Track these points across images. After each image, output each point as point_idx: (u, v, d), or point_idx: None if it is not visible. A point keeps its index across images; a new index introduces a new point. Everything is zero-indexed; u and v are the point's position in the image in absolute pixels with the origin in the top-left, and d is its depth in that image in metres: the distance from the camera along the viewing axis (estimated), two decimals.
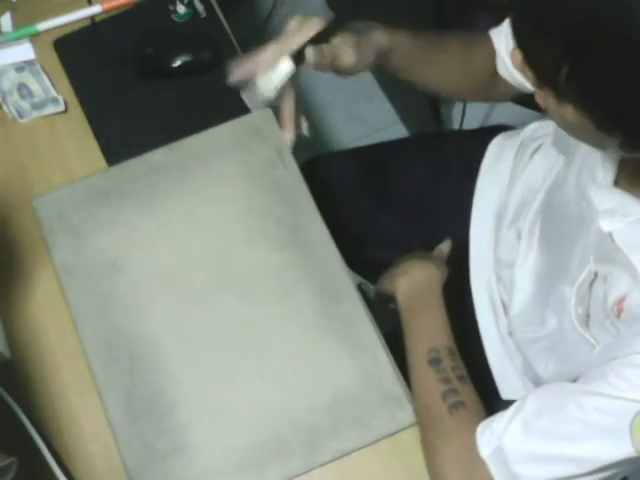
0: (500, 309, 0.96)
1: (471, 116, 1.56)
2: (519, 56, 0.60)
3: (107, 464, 0.82)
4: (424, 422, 0.78)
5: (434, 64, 0.92)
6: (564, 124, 0.63)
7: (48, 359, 0.86)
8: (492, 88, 0.95)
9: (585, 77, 0.54)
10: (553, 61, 0.55)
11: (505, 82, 0.92)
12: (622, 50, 0.51)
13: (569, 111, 0.59)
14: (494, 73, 0.93)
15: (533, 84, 0.62)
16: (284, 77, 0.83)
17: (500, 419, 0.70)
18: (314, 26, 0.81)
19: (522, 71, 0.61)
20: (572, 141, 0.67)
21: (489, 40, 0.91)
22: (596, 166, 0.71)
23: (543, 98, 0.63)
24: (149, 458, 0.80)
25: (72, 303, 0.87)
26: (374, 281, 1.02)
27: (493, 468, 0.69)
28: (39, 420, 0.83)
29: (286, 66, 0.83)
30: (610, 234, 0.67)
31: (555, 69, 0.55)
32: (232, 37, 1.01)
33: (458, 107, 1.59)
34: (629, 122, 0.56)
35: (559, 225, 0.82)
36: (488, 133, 1.07)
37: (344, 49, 0.82)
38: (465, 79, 0.94)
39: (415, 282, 0.90)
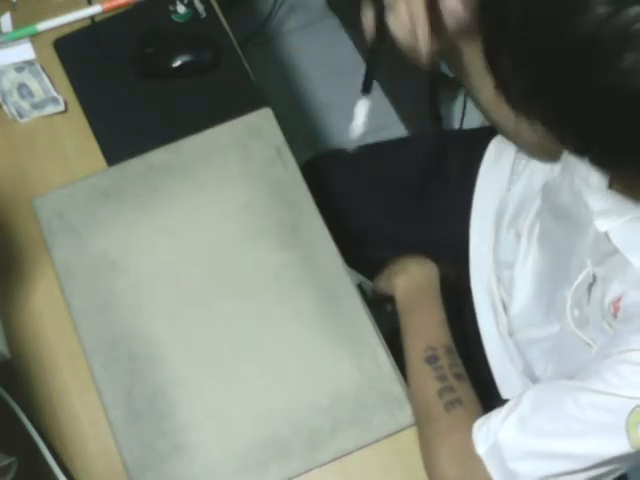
0: (500, 309, 0.96)
1: (471, 116, 1.55)
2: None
3: (107, 464, 0.82)
4: (421, 420, 0.78)
5: None
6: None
7: (48, 359, 0.86)
8: None
9: (550, 108, 0.53)
10: (521, 91, 0.54)
11: None
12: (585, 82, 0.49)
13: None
14: None
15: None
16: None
17: (496, 416, 0.70)
18: None
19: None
20: None
21: None
22: (590, 170, 0.71)
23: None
24: (149, 458, 0.81)
25: (72, 303, 0.87)
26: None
27: (489, 465, 0.69)
28: (39, 420, 0.83)
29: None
30: (606, 233, 0.68)
31: (524, 99, 0.54)
32: (232, 37, 1.01)
33: (458, 107, 1.59)
34: (598, 148, 0.54)
35: (557, 227, 0.82)
36: (488, 133, 1.07)
37: None
38: None
39: (413, 280, 0.90)
